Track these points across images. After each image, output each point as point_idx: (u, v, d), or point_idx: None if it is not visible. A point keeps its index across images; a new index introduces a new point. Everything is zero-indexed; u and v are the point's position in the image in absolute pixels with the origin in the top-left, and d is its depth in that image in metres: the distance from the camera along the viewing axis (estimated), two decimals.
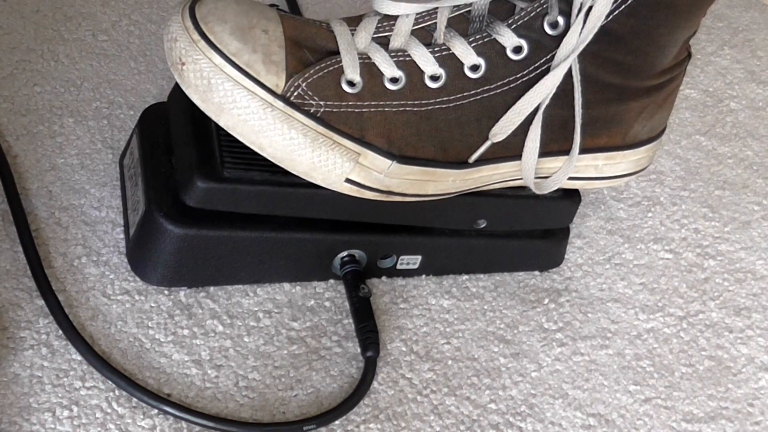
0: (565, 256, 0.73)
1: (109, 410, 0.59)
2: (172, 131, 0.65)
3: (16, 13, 0.80)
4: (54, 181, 0.69)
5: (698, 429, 0.65)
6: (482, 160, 0.63)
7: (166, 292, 0.65)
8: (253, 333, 0.64)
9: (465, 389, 0.64)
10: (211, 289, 0.66)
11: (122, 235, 0.67)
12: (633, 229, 0.76)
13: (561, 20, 0.60)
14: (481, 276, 0.70)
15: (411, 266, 0.68)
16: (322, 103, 0.59)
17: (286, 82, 0.58)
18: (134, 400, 0.59)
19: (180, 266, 0.64)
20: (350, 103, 0.59)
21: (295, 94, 0.58)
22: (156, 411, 0.59)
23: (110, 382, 0.60)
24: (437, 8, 0.60)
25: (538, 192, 0.65)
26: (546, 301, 0.70)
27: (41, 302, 0.62)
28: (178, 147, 0.64)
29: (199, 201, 0.62)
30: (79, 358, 0.61)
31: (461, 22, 0.61)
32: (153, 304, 0.64)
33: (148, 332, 0.63)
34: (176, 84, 0.65)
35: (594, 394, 0.66)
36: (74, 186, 0.69)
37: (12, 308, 0.62)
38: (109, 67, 0.78)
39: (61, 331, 0.61)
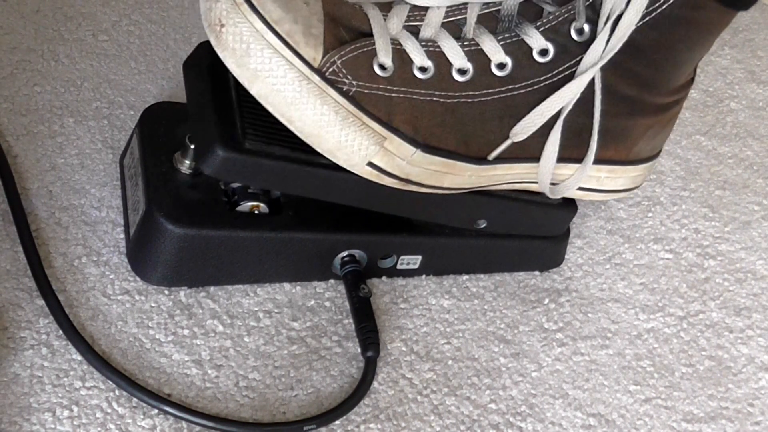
0: (566, 256, 0.73)
1: (109, 410, 0.59)
2: (188, 98, 0.64)
3: (16, 13, 0.80)
4: (54, 181, 0.69)
5: (698, 429, 0.65)
6: (500, 159, 0.63)
7: (166, 292, 0.65)
8: (253, 333, 0.64)
9: (465, 389, 0.64)
10: (212, 289, 0.66)
11: (122, 235, 0.67)
12: (633, 229, 0.76)
13: (587, 27, 0.60)
14: (481, 276, 0.70)
15: (411, 266, 0.68)
16: (354, 82, 0.58)
17: (323, 56, 0.58)
18: (134, 400, 0.59)
19: (180, 266, 0.64)
20: (381, 86, 0.59)
21: (331, 69, 0.58)
22: (156, 411, 0.59)
23: (110, 382, 0.60)
24: (467, 3, 0.60)
25: (551, 196, 0.65)
26: (546, 301, 0.70)
27: (41, 302, 0.62)
28: (194, 115, 0.63)
29: (217, 170, 0.61)
30: (80, 358, 0.61)
31: (490, 21, 0.61)
32: (153, 304, 0.64)
33: (148, 332, 0.63)
34: (194, 51, 0.64)
35: (594, 394, 0.65)
36: (74, 186, 0.69)
37: (12, 308, 0.62)
38: (109, 67, 0.78)
39: (61, 331, 0.61)
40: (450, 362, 0.65)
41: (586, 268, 0.73)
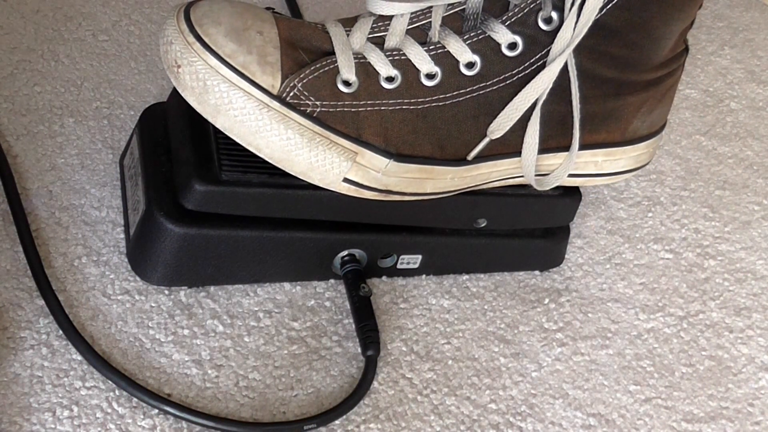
0: (566, 256, 0.73)
1: (109, 410, 0.59)
2: (171, 134, 0.66)
3: (16, 13, 0.80)
4: (54, 181, 0.69)
5: (698, 429, 0.65)
6: (481, 157, 0.63)
7: (166, 291, 0.65)
8: (253, 333, 0.64)
9: (465, 389, 0.64)
10: (212, 288, 0.66)
11: (122, 235, 0.67)
12: (633, 229, 0.76)
13: (555, 15, 0.60)
14: (482, 276, 0.70)
15: (411, 266, 0.68)
16: (318, 103, 0.59)
17: (282, 82, 0.58)
18: (134, 400, 0.59)
19: (180, 265, 0.64)
20: (346, 102, 0.59)
21: (291, 94, 0.58)
22: (156, 411, 0.59)
23: (110, 382, 0.60)
24: (431, 7, 0.60)
25: (539, 188, 0.65)
26: (546, 301, 0.70)
27: (41, 302, 0.62)
28: (176, 149, 0.64)
29: (198, 204, 0.62)
30: (80, 358, 0.61)
31: (456, 21, 0.61)
32: (153, 304, 0.64)
33: (148, 332, 0.63)
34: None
35: (594, 394, 0.66)
36: (74, 186, 0.69)
37: (12, 308, 0.62)
38: (109, 67, 0.78)
39: (61, 331, 0.61)
40: (450, 362, 0.65)
41: (586, 268, 0.73)
